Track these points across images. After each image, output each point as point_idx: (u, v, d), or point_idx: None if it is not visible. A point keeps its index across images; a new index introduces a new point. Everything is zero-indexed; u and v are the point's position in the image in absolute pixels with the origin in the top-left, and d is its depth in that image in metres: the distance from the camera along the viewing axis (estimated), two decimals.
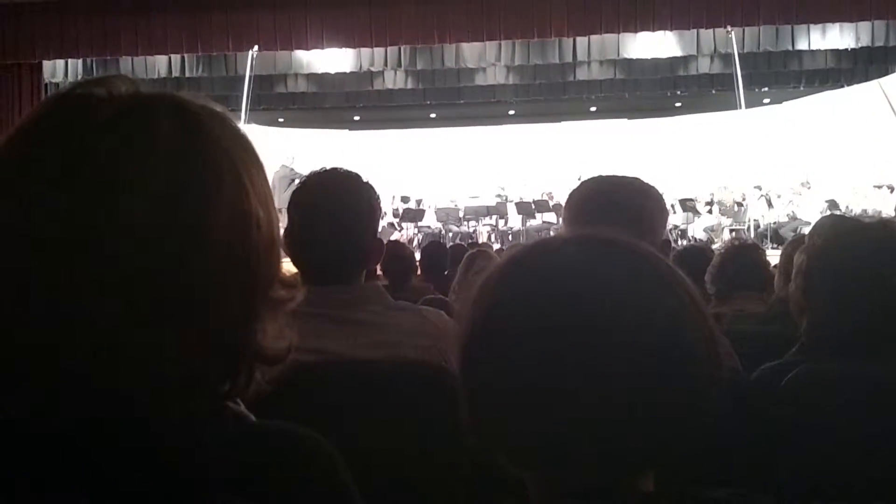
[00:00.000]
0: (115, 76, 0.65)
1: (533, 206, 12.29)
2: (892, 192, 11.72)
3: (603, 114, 15.98)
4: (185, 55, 11.15)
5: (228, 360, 0.65)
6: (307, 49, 10.76)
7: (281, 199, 1.57)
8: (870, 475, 1.29)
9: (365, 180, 1.60)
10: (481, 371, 0.69)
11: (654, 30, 10.25)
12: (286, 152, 12.36)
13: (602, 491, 0.66)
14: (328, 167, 1.61)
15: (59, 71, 11.24)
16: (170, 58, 11.24)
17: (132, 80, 0.66)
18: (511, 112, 15.77)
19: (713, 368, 0.69)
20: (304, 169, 11.52)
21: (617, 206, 1.58)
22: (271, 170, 11.84)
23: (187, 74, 11.35)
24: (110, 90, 0.64)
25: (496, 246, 9.16)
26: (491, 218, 12.84)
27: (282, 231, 1.15)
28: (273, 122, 15.06)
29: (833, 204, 11.16)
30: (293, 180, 10.40)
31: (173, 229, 0.60)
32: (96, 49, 10.44)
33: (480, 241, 10.60)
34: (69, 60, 11.12)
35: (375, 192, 1.61)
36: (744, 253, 2.97)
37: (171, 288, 0.60)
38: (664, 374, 0.65)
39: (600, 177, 1.69)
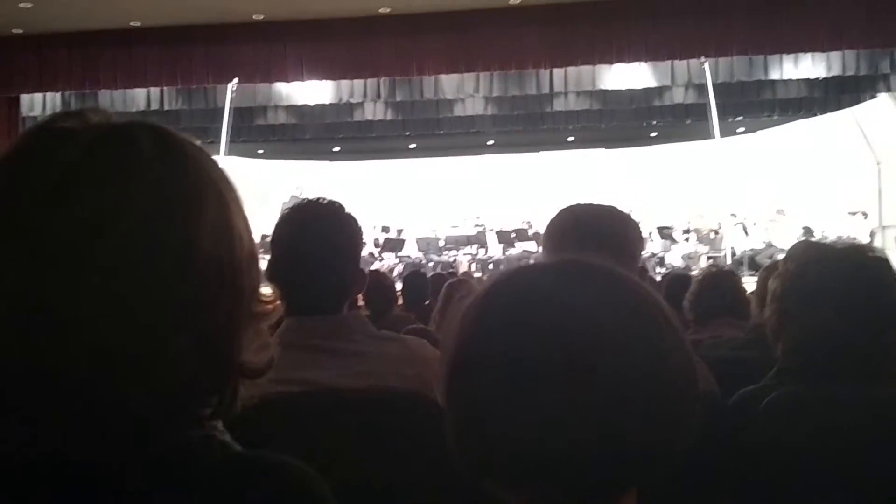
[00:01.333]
0: (88, 108, 0.68)
1: (513, 235, 12.33)
2: (865, 218, 11.90)
3: (580, 143, 16.13)
4: (165, 88, 11.15)
5: (216, 374, 0.66)
6: (287, 81, 10.81)
7: None
8: (848, 497, 1.31)
9: (346, 211, 1.61)
10: (464, 399, 0.70)
11: (628, 61, 10.40)
12: (265, 184, 12.37)
13: None
14: (310, 198, 1.63)
15: (37, 105, 11.19)
16: (149, 91, 11.23)
17: (104, 112, 0.68)
18: (490, 142, 15.88)
19: (692, 391, 0.70)
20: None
21: (597, 234, 1.60)
22: (255, 201, 11.79)
23: (166, 107, 11.32)
24: (86, 120, 0.66)
25: (477, 275, 9.18)
26: (471, 247, 12.87)
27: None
28: (253, 154, 15.05)
29: (808, 231, 11.30)
30: None
31: (162, 244, 0.62)
32: (74, 83, 10.43)
33: (461, 271, 10.61)
34: (47, 94, 11.08)
35: (357, 223, 1.62)
36: (720, 280, 3.01)
37: (162, 302, 0.61)
38: (645, 398, 0.66)
39: (578, 205, 1.70)
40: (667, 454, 0.68)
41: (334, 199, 1.62)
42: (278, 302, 0.73)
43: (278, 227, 1.58)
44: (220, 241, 0.65)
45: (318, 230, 1.55)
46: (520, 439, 0.66)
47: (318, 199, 1.62)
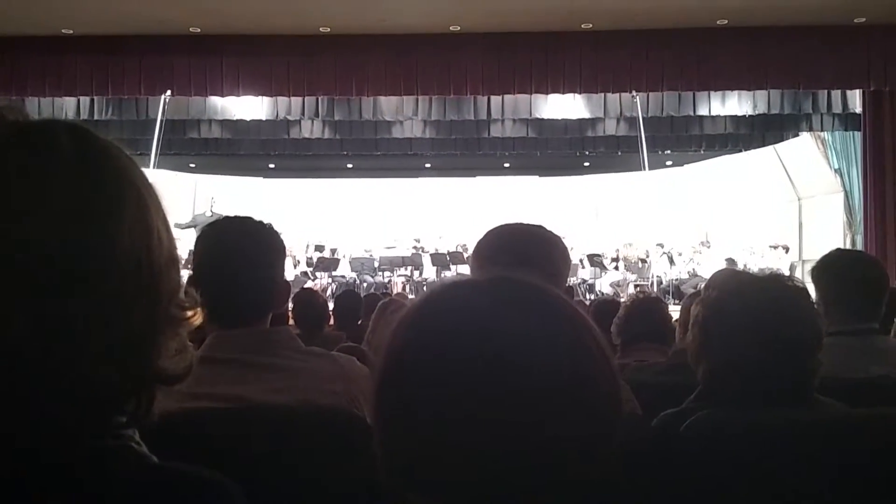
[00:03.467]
0: (3, 106, 0.66)
1: (447, 258, 12.38)
2: (787, 252, 12.35)
3: (515, 170, 16.38)
4: (95, 97, 10.86)
5: (131, 378, 0.65)
6: (222, 96, 10.64)
7: None
8: None
9: (268, 225, 1.60)
10: (392, 407, 0.71)
11: (563, 92, 10.61)
12: (197, 197, 12.16)
13: None
14: (230, 216, 1.63)
15: None
16: (78, 100, 10.92)
17: (22, 111, 0.66)
18: (427, 165, 15.97)
19: (615, 405, 0.72)
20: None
21: (526, 253, 1.62)
22: (179, 214, 11.57)
23: (96, 117, 11.01)
24: (2, 118, 0.64)
25: (411, 297, 9.15)
26: (406, 269, 12.86)
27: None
28: (184, 168, 14.78)
29: (731, 262, 11.65)
30: None
31: (79, 244, 0.61)
32: (0, 89, 10.05)
33: (395, 292, 10.58)
34: None
35: (279, 236, 1.61)
36: (647, 306, 3.07)
37: (78, 300, 0.60)
38: (567, 410, 0.67)
39: (507, 225, 1.72)
40: (590, 464, 0.69)
41: (265, 214, 1.62)
42: (199, 308, 0.71)
43: (199, 239, 1.57)
44: (138, 241, 0.64)
45: (238, 241, 1.54)
46: (441, 448, 0.67)
47: (238, 216, 1.61)
